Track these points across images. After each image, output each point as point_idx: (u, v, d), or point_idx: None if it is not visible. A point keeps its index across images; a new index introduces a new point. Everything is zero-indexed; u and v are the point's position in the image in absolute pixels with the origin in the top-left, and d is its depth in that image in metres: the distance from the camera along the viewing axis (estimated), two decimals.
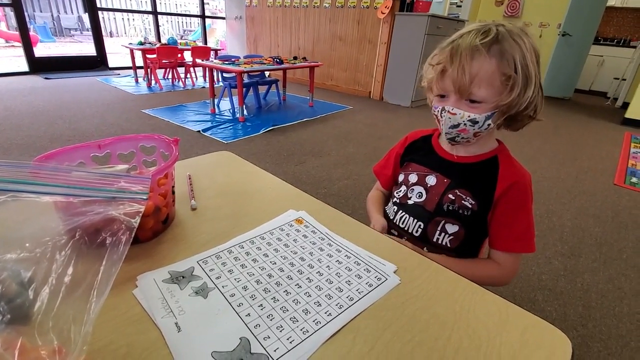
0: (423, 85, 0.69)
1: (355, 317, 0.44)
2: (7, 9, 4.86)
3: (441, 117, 0.64)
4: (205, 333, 0.39)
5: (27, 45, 4.99)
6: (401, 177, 0.77)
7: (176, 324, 0.40)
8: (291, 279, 0.49)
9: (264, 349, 0.38)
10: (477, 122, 0.61)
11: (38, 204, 0.33)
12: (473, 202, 0.66)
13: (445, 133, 0.65)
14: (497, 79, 0.58)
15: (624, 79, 5.49)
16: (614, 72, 5.95)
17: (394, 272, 0.52)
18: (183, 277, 0.47)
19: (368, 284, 0.49)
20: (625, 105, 4.52)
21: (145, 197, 0.34)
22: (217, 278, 0.48)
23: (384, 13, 4.26)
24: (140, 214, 0.33)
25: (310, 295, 0.46)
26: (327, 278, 0.49)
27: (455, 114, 0.61)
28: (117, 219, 0.32)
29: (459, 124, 0.62)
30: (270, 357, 0.37)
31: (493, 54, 0.57)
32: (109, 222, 0.32)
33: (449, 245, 0.69)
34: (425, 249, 0.70)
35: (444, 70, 0.61)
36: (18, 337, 0.26)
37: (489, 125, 0.62)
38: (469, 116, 0.60)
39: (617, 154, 3.16)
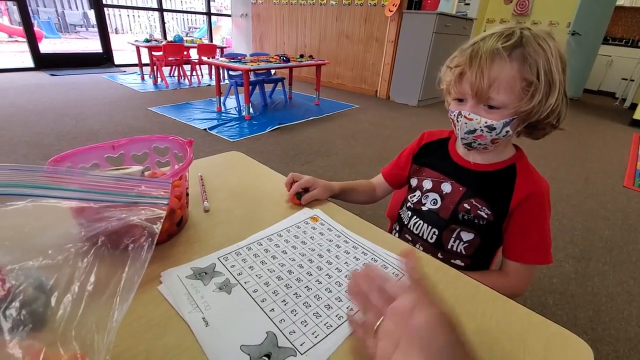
0: (441, 88, 0.67)
1: None
2: (10, 3, 4.81)
3: (457, 122, 0.62)
4: (232, 327, 0.40)
5: (32, 41, 4.99)
6: (415, 182, 0.75)
7: (203, 318, 0.41)
8: (311, 275, 0.49)
9: (291, 343, 0.39)
10: (495, 129, 0.58)
11: (57, 209, 0.32)
12: (489, 212, 0.64)
13: (461, 138, 0.63)
14: (518, 84, 0.55)
15: (632, 80, 5.42)
16: (622, 72, 5.87)
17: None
18: (205, 274, 0.48)
19: None
20: (634, 106, 4.46)
21: (166, 202, 0.34)
22: (239, 274, 0.48)
23: (391, 11, 4.23)
24: (162, 220, 0.32)
25: (330, 291, 0.46)
26: (346, 274, 0.50)
27: (471, 119, 0.59)
28: (138, 225, 0.31)
29: (475, 130, 0.60)
30: (297, 351, 0.38)
31: (514, 58, 0.55)
32: (131, 228, 0.31)
33: (463, 252, 0.68)
34: (439, 254, 0.69)
35: (463, 73, 0.59)
36: (41, 346, 0.26)
37: (507, 132, 0.59)
38: (485, 122, 0.58)
39: (626, 156, 3.12)
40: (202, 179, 0.73)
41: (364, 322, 0.35)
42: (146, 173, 0.59)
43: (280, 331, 0.40)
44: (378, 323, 0.33)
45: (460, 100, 0.62)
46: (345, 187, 0.77)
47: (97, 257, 0.29)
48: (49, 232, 0.30)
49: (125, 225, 0.31)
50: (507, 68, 0.55)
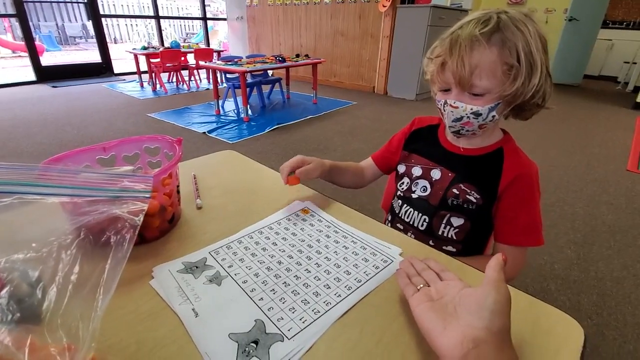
0: (427, 78, 0.68)
1: (363, 297, 0.45)
2: (13, 20, 4.94)
3: (444, 111, 0.62)
4: (221, 317, 0.41)
5: (34, 55, 5.07)
6: (402, 169, 0.76)
7: (193, 309, 0.42)
8: (300, 264, 0.50)
9: (278, 329, 0.39)
10: (481, 115, 0.59)
11: (44, 205, 0.33)
12: (478, 197, 0.65)
13: (449, 126, 0.64)
14: (499, 69, 0.56)
15: (635, 63, 5.36)
16: (624, 55, 5.80)
17: (400, 255, 0.53)
18: (197, 267, 0.49)
19: (375, 266, 0.50)
20: (637, 90, 4.41)
21: (148, 196, 0.35)
22: (229, 267, 0.49)
23: (385, 6, 4.22)
24: (144, 212, 0.33)
25: (319, 279, 0.47)
26: (335, 262, 0.51)
27: (457, 107, 0.60)
28: (121, 218, 0.32)
29: (462, 117, 0.60)
30: (284, 336, 0.38)
31: (493, 43, 0.55)
32: (113, 221, 0.32)
33: (454, 237, 0.68)
34: (430, 242, 0.69)
35: (444, 63, 0.59)
36: (28, 335, 0.27)
37: (493, 116, 0.60)
38: (471, 109, 0.59)
39: (629, 140, 3.09)
40: (195, 178, 0.74)
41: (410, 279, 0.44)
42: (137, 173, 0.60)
43: (269, 318, 0.41)
44: (422, 285, 0.41)
45: (446, 90, 0.63)
46: (335, 166, 0.77)
47: (80, 249, 0.30)
48: (34, 227, 0.31)
49: (108, 218, 0.32)
50: (487, 54, 0.55)
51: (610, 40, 5.95)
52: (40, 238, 0.30)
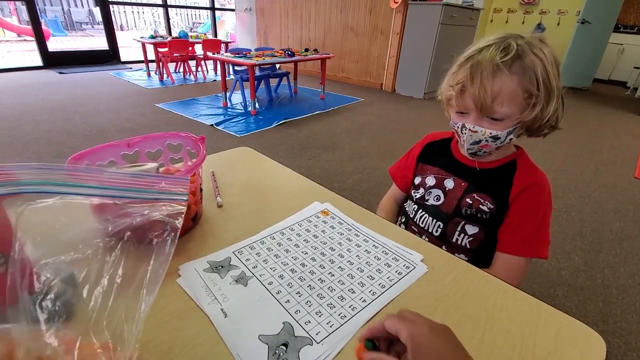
0: (439, 99, 0.68)
1: (387, 304, 0.45)
2: (18, 3, 4.90)
3: (462, 134, 0.64)
4: (250, 318, 0.42)
5: (40, 40, 5.05)
6: (418, 180, 0.77)
7: (222, 310, 0.42)
8: (323, 268, 0.51)
9: (307, 332, 0.40)
10: (499, 138, 0.61)
11: (83, 205, 0.33)
12: (491, 207, 0.65)
13: (467, 149, 0.65)
14: (520, 96, 0.57)
15: None
16: (634, 60, 5.73)
17: (421, 261, 0.53)
18: (222, 267, 0.49)
19: (397, 272, 0.51)
20: None
21: (185, 199, 0.35)
22: (254, 267, 0.50)
23: (396, 2, 4.18)
24: (182, 215, 0.34)
25: (343, 283, 0.48)
26: (358, 267, 0.51)
27: (476, 131, 0.61)
28: (161, 221, 0.33)
29: (480, 141, 0.62)
30: (313, 340, 0.39)
31: (515, 71, 0.56)
32: (154, 223, 0.32)
33: (468, 246, 0.68)
34: (443, 247, 0.70)
35: (464, 89, 0.60)
36: (76, 335, 0.27)
37: (510, 139, 0.62)
38: (490, 133, 0.60)
39: (637, 146, 3.07)
40: (214, 175, 0.74)
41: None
42: (160, 169, 0.60)
43: (296, 321, 0.41)
44: None
45: (463, 113, 0.63)
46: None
47: (124, 251, 0.31)
48: (77, 228, 0.32)
49: (149, 221, 0.32)
50: (509, 82, 0.56)
51: (621, 44, 5.88)
52: (85, 239, 0.30)
